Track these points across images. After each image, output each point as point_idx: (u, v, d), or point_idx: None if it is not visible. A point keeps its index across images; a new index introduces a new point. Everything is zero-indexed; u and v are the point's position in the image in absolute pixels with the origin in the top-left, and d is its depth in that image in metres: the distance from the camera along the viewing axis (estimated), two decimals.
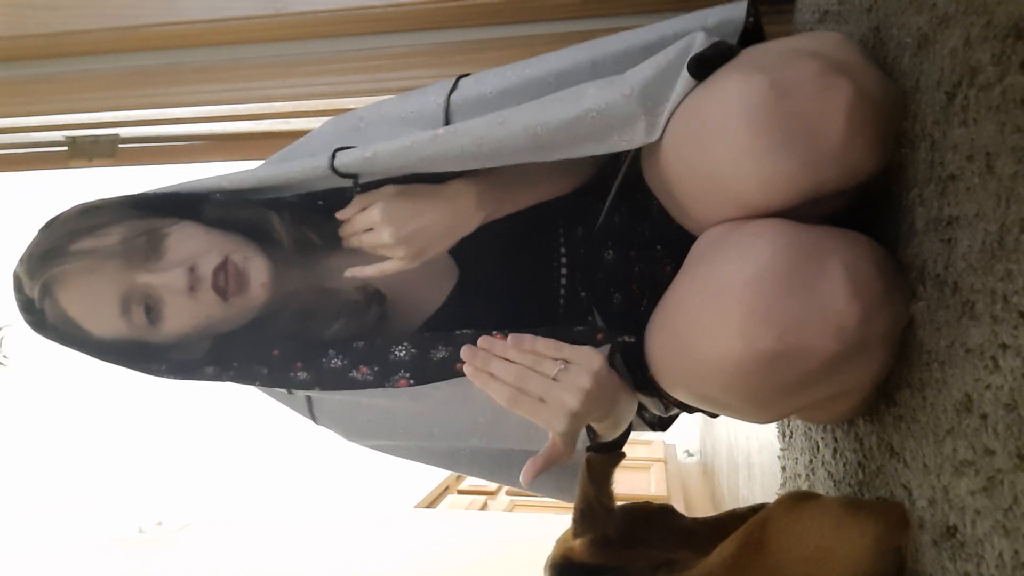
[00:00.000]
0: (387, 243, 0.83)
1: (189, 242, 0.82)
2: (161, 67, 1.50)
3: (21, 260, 0.83)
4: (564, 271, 0.96)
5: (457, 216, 0.84)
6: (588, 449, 0.90)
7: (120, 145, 1.67)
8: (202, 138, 1.67)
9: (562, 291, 0.96)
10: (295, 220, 0.89)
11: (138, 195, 0.86)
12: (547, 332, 0.76)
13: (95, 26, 1.48)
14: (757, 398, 0.67)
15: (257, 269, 0.83)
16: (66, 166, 1.69)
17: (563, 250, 0.96)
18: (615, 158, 0.93)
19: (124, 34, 1.48)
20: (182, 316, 0.82)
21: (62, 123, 1.61)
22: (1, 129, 1.63)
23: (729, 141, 0.67)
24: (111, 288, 0.79)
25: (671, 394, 0.76)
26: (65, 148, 1.69)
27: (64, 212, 0.85)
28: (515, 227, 0.93)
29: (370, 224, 0.83)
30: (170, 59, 1.51)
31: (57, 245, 0.80)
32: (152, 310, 0.81)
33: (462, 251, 0.94)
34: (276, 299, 0.88)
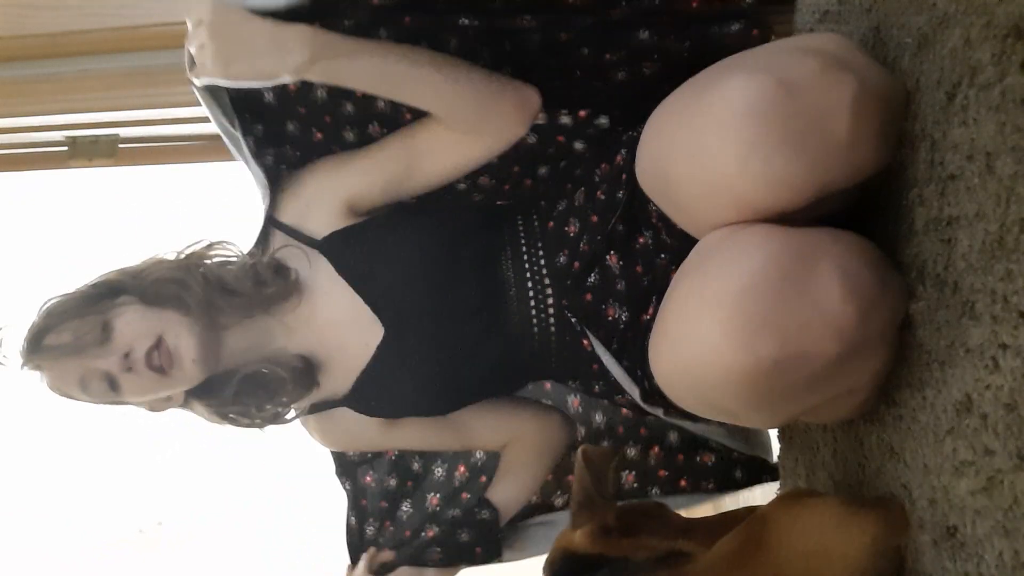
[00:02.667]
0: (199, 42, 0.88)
1: (129, 327, 0.94)
2: (161, 67, 1.50)
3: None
4: (551, 300, 0.96)
5: (279, 39, 0.85)
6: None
7: (120, 145, 1.67)
8: (202, 138, 1.66)
9: (551, 319, 0.97)
10: (205, 289, 0.97)
11: (91, 287, 0.99)
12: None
13: (95, 26, 1.48)
14: (764, 404, 0.67)
15: (187, 347, 0.94)
16: (66, 166, 1.68)
17: (548, 280, 0.96)
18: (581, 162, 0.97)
19: (124, 34, 1.48)
20: (134, 389, 0.96)
21: (62, 123, 1.60)
22: (1, 129, 1.63)
23: (735, 141, 0.66)
24: (71, 375, 0.95)
25: (680, 405, 0.75)
26: (65, 148, 1.68)
27: (47, 304, 0.99)
28: (458, 268, 0.96)
29: (193, 22, 0.89)
30: (170, 59, 1.50)
31: (35, 339, 0.96)
32: (112, 383, 0.94)
33: (383, 308, 0.97)
34: (224, 364, 0.99)
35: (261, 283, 0.97)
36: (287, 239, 1.00)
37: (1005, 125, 0.53)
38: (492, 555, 1.07)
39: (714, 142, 0.68)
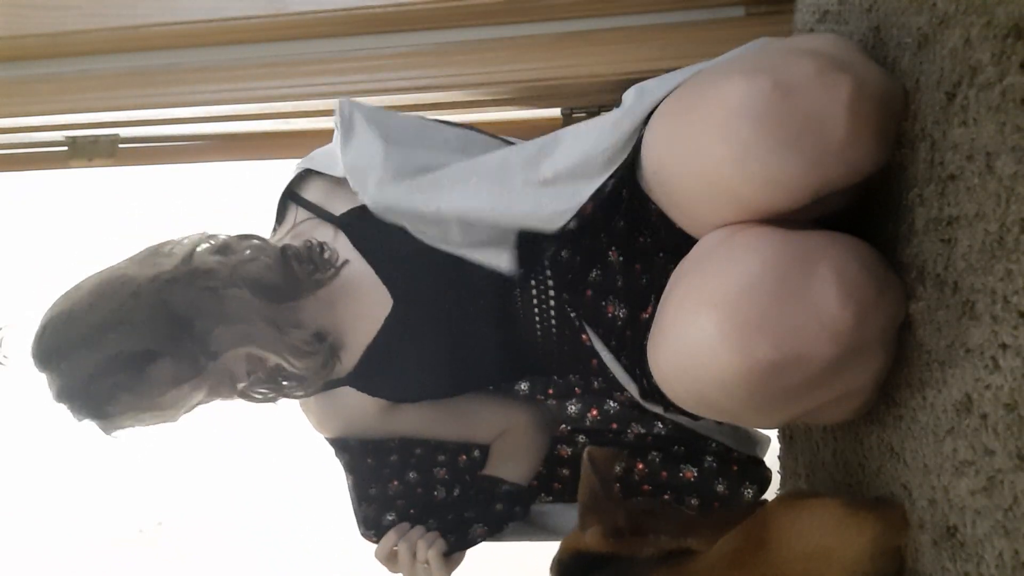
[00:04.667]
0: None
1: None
2: (161, 67, 1.50)
3: (82, 407, 0.99)
4: (552, 293, 0.96)
5: None
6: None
7: (120, 145, 1.67)
8: (202, 138, 1.67)
9: (552, 312, 0.97)
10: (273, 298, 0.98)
11: (146, 325, 0.92)
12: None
13: (95, 26, 1.48)
14: (762, 405, 0.68)
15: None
16: (66, 166, 1.69)
17: (548, 272, 0.96)
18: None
19: (124, 34, 1.48)
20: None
21: (62, 123, 1.60)
22: (1, 129, 1.63)
23: (732, 142, 0.66)
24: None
25: (678, 404, 0.76)
26: (65, 148, 1.68)
27: (107, 371, 0.95)
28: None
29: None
30: (170, 59, 1.51)
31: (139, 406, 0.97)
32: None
33: (395, 280, 0.98)
34: None
35: (317, 266, 0.98)
36: (307, 214, 1.02)
37: (1005, 125, 0.53)
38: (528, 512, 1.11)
39: (712, 143, 0.68)
